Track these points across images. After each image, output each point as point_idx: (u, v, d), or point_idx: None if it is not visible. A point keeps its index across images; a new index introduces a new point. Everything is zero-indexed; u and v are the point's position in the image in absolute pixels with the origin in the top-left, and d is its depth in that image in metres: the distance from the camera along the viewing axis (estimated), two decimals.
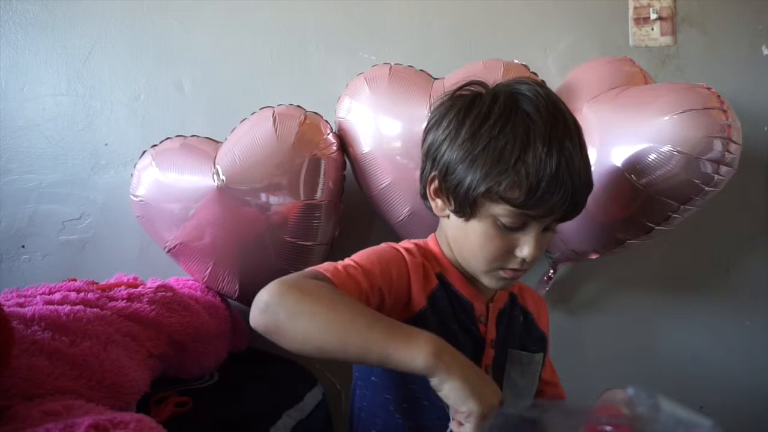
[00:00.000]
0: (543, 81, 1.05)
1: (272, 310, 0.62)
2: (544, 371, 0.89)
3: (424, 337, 0.60)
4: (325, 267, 0.70)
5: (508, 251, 0.73)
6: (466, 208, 0.73)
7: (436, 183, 0.77)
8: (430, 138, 0.78)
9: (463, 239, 0.77)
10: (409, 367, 0.59)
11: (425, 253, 0.80)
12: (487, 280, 0.77)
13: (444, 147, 0.74)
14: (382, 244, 0.79)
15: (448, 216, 0.77)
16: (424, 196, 0.81)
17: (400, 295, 0.74)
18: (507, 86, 0.75)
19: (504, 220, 0.71)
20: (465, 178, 0.71)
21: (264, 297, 0.62)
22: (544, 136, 0.69)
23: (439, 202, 0.78)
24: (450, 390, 0.58)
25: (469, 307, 0.79)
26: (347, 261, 0.73)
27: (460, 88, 0.78)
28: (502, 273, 0.75)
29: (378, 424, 0.78)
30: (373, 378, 0.79)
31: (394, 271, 0.74)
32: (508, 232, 0.72)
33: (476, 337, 0.79)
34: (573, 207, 0.72)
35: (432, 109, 0.81)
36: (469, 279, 0.79)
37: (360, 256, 0.74)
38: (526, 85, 0.73)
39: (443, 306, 0.76)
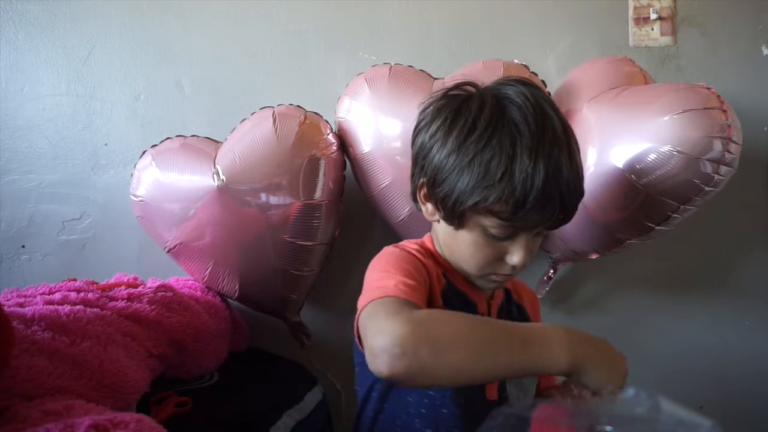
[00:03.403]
0: (543, 81, 1.06)
1: (411, 352, 0.57)
2: None
3: (557, 337, 0.62)
4: (384, 289, 0.66)
5: (498, 258, 0.73)
6: (455, 219, 0.73)
7: (425, 189, 0.76)
8: (418, 141, 0.77)
9: (453, 245, 0.76)
10: (555, 372, 0.63)
11: (428, 253, 0.80)
12: (480, 283, 0.78)
13: (431, 154, 0.73)
14: (390, 249, 0.78)
15: (439, 221, 0.77)
16: (414, 199, 0.80)
17: (428, 296, 0.73)
18: (494, 90, 0.73)
19: (493, 231, 0.71)
20: (452, 191, 0.70)
21: (393, 341, 0.58)
22: (531, 147, 0.67)
23: (429, 206, 0.77)
24: (593, 380, 0.62)
25: (473, 306, 0.79)
26: (388, 275, 0.70)
27: (449, 89, 0.76)
28: (493, 277, 0.76)
29: (398, 426, 0.77)
30: None
31: (424, 273, 0.74)
32: (498, 241, 0.72)
33: None
34: (563, 217, 0.71)
35: (420, 109, 0.79)
36: (468, 278, 0.79)
37: (391, 265, 0.72)
38: (513, 88, 0.71)
39: (454, 304, 0.76)
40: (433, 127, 0.74)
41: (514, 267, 0.73)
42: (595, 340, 0.65)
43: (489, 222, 0.70)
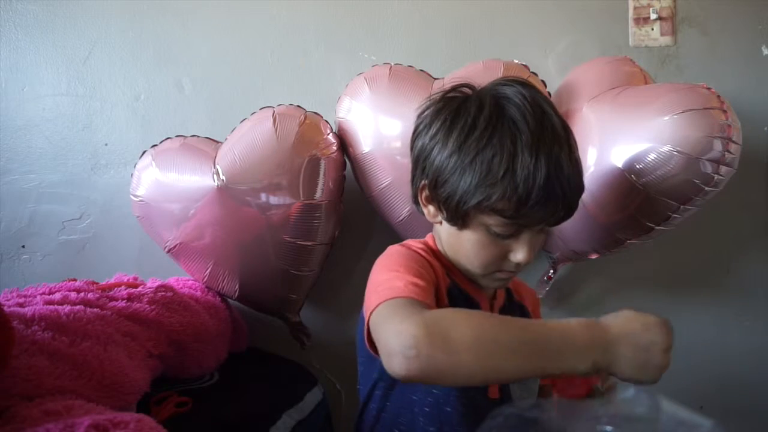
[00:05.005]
0: (543, 81, 1.06)
1: (426, 353, 0.57)
2: None
3: (581, 339, 0.59)
4: (396, 290, 0.66)
5: (503, 257, 0.74)
6: (458, 219, 0.73)
7: (426, 191, 0.76)
8: (418, 144, 0.77)
9: (457, 245, 0.77)
10: (579, 374, 0.60)
11: (432, 252, 0.80)
12: (484, 282, 0.78)
13: (432, 156, 0.74)
14: (397, 248, 0.78)
15: (441, 222, 0.77)
16: (416, 202, 0.80)
17: (435, 295, 0.73)
18: (492, 91, 0.73)
19: (496, 229, 0.71)
20: (455, 192, 0.71)
21: (408, 342, 0.57)
22: (532, 145, 0.67)
23: (431, 208, 0.77)
24: (623, 376, 0.60)
25: (476, 305, 0.79)
26: (398, 275, 0.69)
27: (446, 92, 0.77)
28: (498, 275, 0.76)
29: (402, 424, 0.77)
30: None
31: (431, 272, 0.74)
32: (502, 239, 0.72)
33: None
34: (565, 213, 0.72)
35: (418, 113, 0.79)
36: (471, 277, 0.79)
37: (400, 265, 0.71)
38: (510, 88, 0.72)
39: (458, 303, 0.76)
40: (433, 130, 0.74)
41: (518, 264, 0.74)
42: (627, 336, 0.61)
43: (492, 221, 0.70)
